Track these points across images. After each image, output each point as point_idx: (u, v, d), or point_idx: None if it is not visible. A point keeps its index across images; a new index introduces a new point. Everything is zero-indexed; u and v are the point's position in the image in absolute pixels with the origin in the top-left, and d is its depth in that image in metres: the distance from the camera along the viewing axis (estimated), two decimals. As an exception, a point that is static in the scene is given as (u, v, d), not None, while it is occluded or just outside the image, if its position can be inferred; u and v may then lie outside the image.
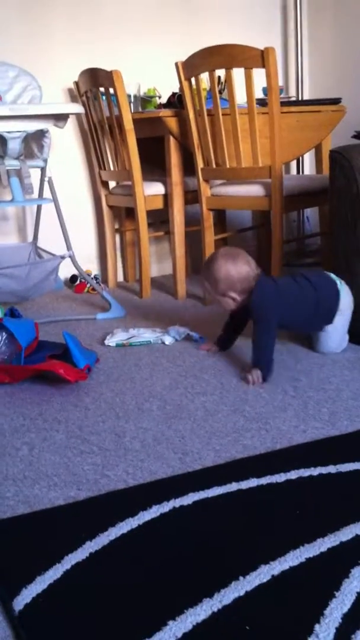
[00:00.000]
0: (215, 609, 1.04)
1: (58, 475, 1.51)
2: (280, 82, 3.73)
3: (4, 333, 2.12)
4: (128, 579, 1.13)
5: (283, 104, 2.92)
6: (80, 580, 1.13)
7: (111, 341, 2.44)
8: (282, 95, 3.30)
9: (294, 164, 3.94)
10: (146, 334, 2.47)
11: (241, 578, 1.10)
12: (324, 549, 1.17)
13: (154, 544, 1.22)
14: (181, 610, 1.03)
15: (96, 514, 1.34)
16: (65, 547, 1.21)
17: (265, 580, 1.10)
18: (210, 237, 3.05)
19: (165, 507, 1.34)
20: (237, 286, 2.09)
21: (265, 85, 2.73)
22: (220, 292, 2.12)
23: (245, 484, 1.41)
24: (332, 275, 2.20)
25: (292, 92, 3.96)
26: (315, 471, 1.45)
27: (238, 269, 2.09)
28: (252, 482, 1.42)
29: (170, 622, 1.01)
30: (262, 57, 2.62)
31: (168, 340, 2.41)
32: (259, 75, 2.70)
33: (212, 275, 2.11)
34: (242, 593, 1.07)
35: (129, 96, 3.26)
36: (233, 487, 1.40)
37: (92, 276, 3.36)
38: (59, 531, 1.28)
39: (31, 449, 1.65)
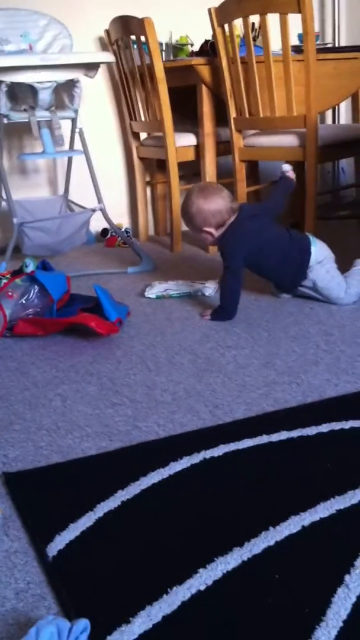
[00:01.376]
0: (245, 558, 1.05)
1: (90, 426, 1.53)
2: (317, 28, 3.61)
3: (36, 286, 2.13)
4: (159, 527, 1.15)
5: (319, 50, 2.83)
6: (112, 528, 1.15)
7: (151, 293, 2.45)
8: (318, 42, 3.20)
9: (329, 113, 3.84)
10: (184, 287, 2.47)
11: (271, 528, 1.11)
12: (355, 500, 1.17)
13: (184, 494, 1.24)
14: (211, 559, 1.05)
15: (127, 464, 1.35)
16: (98, 496, 1.23)
17: (295, 531, 1.11)
18: (242, 190, 3.01)
19: (196, 458, 1.35)
20: (211, 220, 2.14)
21: (300, 31, 2.65)
22: (196, 227, 2.17)
23: (276, 437, 1.41)
24: (307, 233, 2.28)
25: (329, 39, 3.84)
26: (347, 424, 1.44)
27: (210, 203, 2.13)
28: (283, 435, 1.42)
29: (201, 570, 1.03)
30: (297, 2, 2.54)
31: (208, 291, 2.41)
32: (295, 22, 2.61)
33: (186, 212, 2.17)
34: (272, 543, 1.08)
35: (161, 44, 3.20)
36: (264, 439, 1.41)
37: (123, 229, 3.34)
38: (91, 480, 1.30)
39: (64, 401, 1.67)
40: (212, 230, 2.15)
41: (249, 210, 2.21)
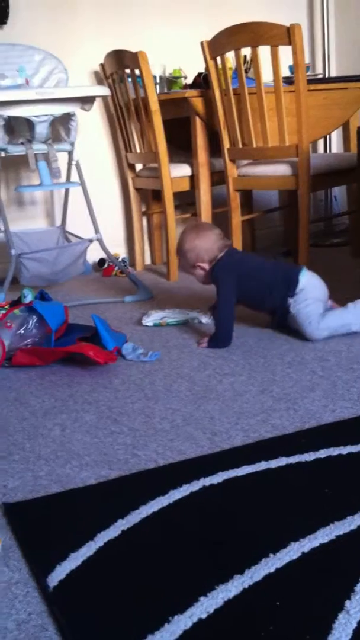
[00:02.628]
0: (246, 585, 1.05)
1: (89, 455, 1.54)
2: (307, 60, 3.68)
3: (34, 316, 2.15)
4: (159, 556, 1.15)
5: (310, 81, 2.90)
6: (113, 557, 1.15)
7: (148, 321, 2.47)
8: (308, 73, 3.26)
9: (321, 142, 3.90)
10: (181, 314, 2.49)
11: (271, 555, 1.11)
12: (354, 526, 1.18)
13: (184, 522, 1.24)
14: (212, 587, 1.05)
15: (127, 492, 1.36)
16: (98, 525, 1.24)
17: (295, 558, 1.11)
18: (237, 219, 3.05)
19: (196, 485, 1.35)
20: (204, 256, 2.23)
21: (291, 63, 2.71)
22: (190, 263, 2.26)
23: (274, 463, 1.42)
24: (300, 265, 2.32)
25: (319, 70, 3.92)
26: (344, 450, 1.45)
27: (202, 239, 2.23)
28: (282, 461, 1.42)
29: (202, 598, 1.03)
30: (288, 34, 2.60)
31: (204, 319, 2.43)
32: (285, 53, 2.67)
33: (181, 249, 2.27)
34: (272, 570, 1.08)
35: (155, 77, 3.25)
36: (262, 466, 1.41)
37: (120, 259, 3.37)
38: (91, 509, 1.31)
39: (63, 430, 1.68)
40: (205, 265, 2.24)
41: (236, 249, 2.35)
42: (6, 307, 2.23)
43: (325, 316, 2.17)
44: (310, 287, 2.20)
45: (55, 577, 1.11)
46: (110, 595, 1.06)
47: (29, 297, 2.22)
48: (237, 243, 3.05)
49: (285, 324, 2.25)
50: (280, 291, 2.20)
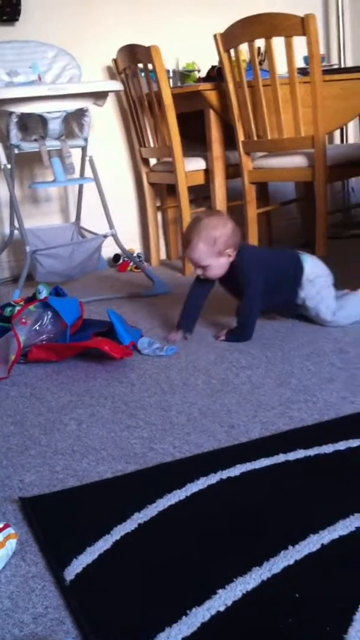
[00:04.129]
0: (265, 578, 1.03)
1: (106, 449, 1.53)
2: (322, 50, 3.65)
3: (49, 312, 2.14)
4: (177, 549, 1.14)
5: (325, 72, 2.87)
6: (130, 550, 1.14)
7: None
8: (323, 64, 3.23)
9: (337, 132, 3.87)
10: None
11: (290, 547, 1.10)
12: (374, 518, 1.16)
13: (201, 515, 1.23)
14: (231, 579, 1.03)
15: (144, 486, 1.34)
16: (114, 519, 1.22)
17: (314, 550, 1.09)
18: (252, 212, 3.02)
19: (213, 478, 1.34)
20: (232, 241, 2.08)
21: (306, 53, 2.68)
22: (216, 252, 2.07)
23: (292, 456, 1.40)
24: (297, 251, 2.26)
25: (334, 60, 3.88)
26: (364, 442, 1.43)
27: (228, 224, 2.09)
28: (300, 454, 1.40)
29: (220, 591, 1.01)
30: (302, 25, 2.57)
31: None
32: (300, 44, 2.64)
33: (208, 237, 2.06)
34: (291, 562, 1.06)
35: (168, 71, 3.24)
36: (280, 458, 1.39)
37: (135, 254, 3.36)
38: (107, 503, 1.29)
39: (79, 424, 1.67)
40: (232, 251, 2.09)
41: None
42: (21, 303, 2.22)
43: (343, 304, 2.17)
44: (317, 272, 2.17)
45: (72, 570, 1.10)
46: (127, 588, 1.05)
47: (43, 293, 2.21)
48: (253, 236, 3.02)
49: (297, 313, 2.24)
50: (289, 282, 2.17)
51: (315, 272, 2.18)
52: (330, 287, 2.19)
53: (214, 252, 2.08)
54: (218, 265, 2.12)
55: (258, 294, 2.13)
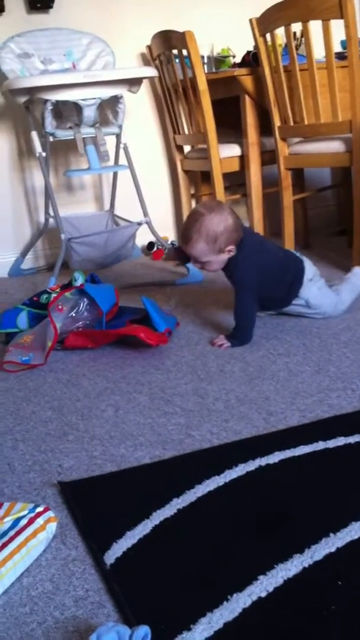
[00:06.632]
0: (306, 565, 1.03)
1: (143, 435, 1.53)
2: None
3: (85, 299, 2.15)
4: (216, 534, 1.13)
5: (363, 55, 2.80)
6: (170, 535, 1.14)
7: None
8: (361, 47, 3.16)
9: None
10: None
11: (332, 534, 1.08)
12: None
13: (240, 501, 1.22)
14: (272, 566, 1.03)
15: (182, 471, 1.34)
16: (153, 504, 1.22)
17: (356, 537, 1.08)
18: (288, 198, 2.99)
19: (251, 465, 1.33)
20: (233, 238, 2.00)
21: (343, 37, 2.63)
22: (217, 249, 2.00)
23: (332, 443, 1.38)
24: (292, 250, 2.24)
25: (372, 44, 3.80)
26: None
27: (229, 218, 1.99)
28: (340, 441, 1.39)
29: (261, 577, 1.01)
30: (340, 7, 2.52)
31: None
32: (337, 27, 2.59)
33: (209, 235, 1.98)
34: (333, 549, 1.05)
35: (203, 57, 3.20)
36: (320, 445, 1.38)
37: (170, 242, 3.35)
38: (146, 488, 1.29)
39: (116, 411, 1.67)
40: (233, 247, 2.02)
41: (249, 229, 2.22)
42: (57, 290, 2.23)
43: (340, 294, 2.20)
44: (314, 270, 2.17)
45: (112, 554, 1.10)
46: (168, 572, 1.05)
47: (79, 280, 2.22)
48: (289, 223, 2.99)
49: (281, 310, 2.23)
50: (289, 281, 2.13)
51: (313, 270, 2.16)
52: (322, 279, 2.20)
53: (215, 250, 2.01)
54: (218, 261, 2.06)
55: (250, 296, 2.06)
